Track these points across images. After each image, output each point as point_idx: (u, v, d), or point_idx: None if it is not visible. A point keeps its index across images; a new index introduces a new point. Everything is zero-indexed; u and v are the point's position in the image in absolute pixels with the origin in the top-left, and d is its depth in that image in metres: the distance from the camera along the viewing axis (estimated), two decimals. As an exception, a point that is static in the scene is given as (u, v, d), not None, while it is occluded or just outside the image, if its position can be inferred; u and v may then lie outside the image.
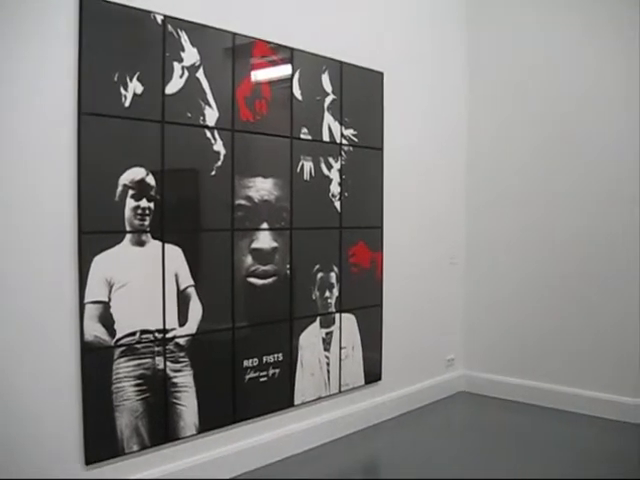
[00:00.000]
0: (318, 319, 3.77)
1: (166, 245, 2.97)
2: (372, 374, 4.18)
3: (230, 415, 3.29)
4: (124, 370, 2.80)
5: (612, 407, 4.27)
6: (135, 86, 2.81)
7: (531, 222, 4.69)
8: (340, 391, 3.94)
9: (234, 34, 3.23)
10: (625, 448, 3.83)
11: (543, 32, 4.60)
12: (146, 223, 2.88)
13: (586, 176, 4.43)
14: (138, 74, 2.82)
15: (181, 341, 3.03)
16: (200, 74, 3.08)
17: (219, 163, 3.19)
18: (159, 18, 2.89)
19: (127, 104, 2.78)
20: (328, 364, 3.85)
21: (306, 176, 3.67)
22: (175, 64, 2.97)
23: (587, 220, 4.43)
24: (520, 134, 4.74)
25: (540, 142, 4.64)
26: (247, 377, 3.37)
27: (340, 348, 3.92)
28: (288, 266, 3.58)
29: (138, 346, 2.85)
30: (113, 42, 2.73)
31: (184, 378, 3.05)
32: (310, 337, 3.73)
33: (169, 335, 2.98)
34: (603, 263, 4.37)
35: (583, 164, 4.44)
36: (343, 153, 3.89)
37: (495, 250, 4.90)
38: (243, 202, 3.32)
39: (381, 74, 4.17)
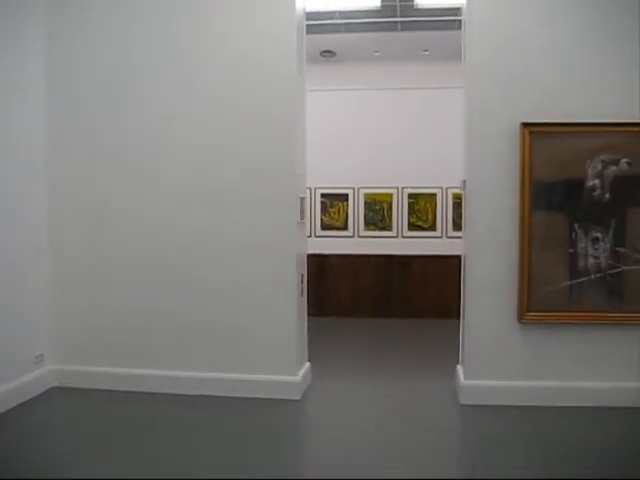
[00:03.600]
0: None
1: None
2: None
3: None
4: None
5: (220, 384, 4.62)
6: None
7: (119, 209, 4.76)
8: None
9: None
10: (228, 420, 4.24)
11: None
12: None
13: (168, 166, 4.70)
14: None
15: None
16: None
17: None
18: None
19: None
20: None
21: None
22: None
23: (179, 203, 4.70)
24: (99, 131, 4.78)
25: (115, 143, 4.76)
26: None
27: None
28: None
29: None
30: None
31: None
32: None
33: None
34: (181, 254, 4.71)
35: (162, 153, 4.70)
36: None
37: (81, 239, 4.83)
38: None
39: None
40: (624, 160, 4.25)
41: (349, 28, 6.85)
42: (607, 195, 4.28)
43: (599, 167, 4.28)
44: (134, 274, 4.76)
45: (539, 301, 4.35)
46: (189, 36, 4.63)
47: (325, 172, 7.86)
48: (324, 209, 8.34)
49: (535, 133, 4.29)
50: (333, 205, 8.34)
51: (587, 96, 4.30)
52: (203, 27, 4.62)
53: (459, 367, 4.73)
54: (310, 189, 7.75)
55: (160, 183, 4.69)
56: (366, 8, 6.34)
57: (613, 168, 4.27)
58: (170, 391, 4.63)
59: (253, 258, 4.61)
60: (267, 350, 4.64)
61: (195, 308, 4.68)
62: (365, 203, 8.26)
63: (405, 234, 8.17)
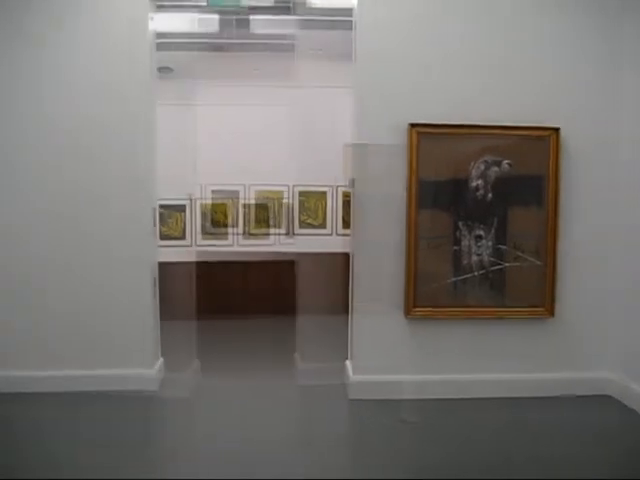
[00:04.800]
0: None
1: None
2: None
3: None
4: None
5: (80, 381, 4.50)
6: None
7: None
8: None
9: None
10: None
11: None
12: None
13: (17, 178, 4.55)
14: None
15: None
16: None
17: None
18: None
19: None
20: None
21: None
22: None
23: (31, 213, 4.56)
24: None
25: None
26: None
27: None
28: None
29: None
30: None
31: None
32: None
33: None
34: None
35: (13, 162, 4.54)
36: None
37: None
38: None
39: None
40: (506, 162, 4.44)
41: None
42: (490, 195, 4.46)
43: (482, 168, 4.45)
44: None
45: (425, 297, 4.47)
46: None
47: (215, 170, 7.73)
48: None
49: (422, 133, 4.40)
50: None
51: (475, 98, 4.46)
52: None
53: (348, 362, 4.78)
54: (201, 186, 7.63)
55: (10, 191, 4.54)
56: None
57: (495, 169, 4.45)
58: (24, 390, 4.46)
59: (111, 263, 4.61)
60: (124, 347, 4.65)
61: (53, 308, 4.57)
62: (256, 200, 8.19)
63: (295, 232, 8.18)
